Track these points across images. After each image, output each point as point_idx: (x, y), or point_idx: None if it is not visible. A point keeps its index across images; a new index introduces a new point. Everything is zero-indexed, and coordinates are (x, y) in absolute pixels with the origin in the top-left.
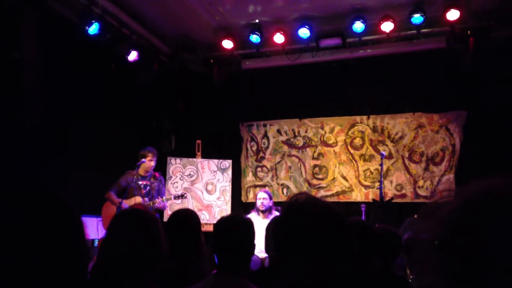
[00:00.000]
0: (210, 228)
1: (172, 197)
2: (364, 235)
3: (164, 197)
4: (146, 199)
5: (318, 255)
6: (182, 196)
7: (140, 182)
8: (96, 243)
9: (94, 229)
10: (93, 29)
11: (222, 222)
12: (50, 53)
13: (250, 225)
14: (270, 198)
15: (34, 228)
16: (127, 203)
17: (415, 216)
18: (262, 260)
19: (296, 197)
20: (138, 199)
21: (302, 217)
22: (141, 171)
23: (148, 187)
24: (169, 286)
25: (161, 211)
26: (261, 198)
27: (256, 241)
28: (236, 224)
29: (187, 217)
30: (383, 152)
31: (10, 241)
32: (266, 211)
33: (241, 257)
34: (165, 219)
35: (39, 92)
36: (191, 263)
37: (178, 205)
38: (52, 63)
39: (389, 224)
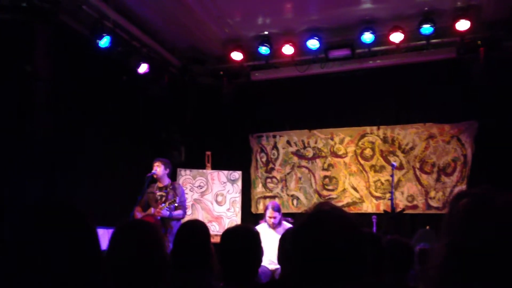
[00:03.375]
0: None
1: (172, 207)
2: (376, 247)
3: (164, 205)
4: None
5: (333, 272)
6: (173, 202)
7: (157, 194)
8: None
9: (105, 240)
10: (104, 42)
11: (228, 233)
12: (62, 66)
13: (256, 235)
14: (279, 211)
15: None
16: (145, 214)
17: (427, 227)
18: (273, 271)
19: (318, 208)
20: (150, 211)
21: (320, 233)
22: (158, 182)
23: (163, 198)
24: None
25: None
26: (271, 217)
27: (265, 253)
28: (241, 235)
29: (195, 229)
30: (394, 163)
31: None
32: (276, 225)
33: (248, 268)
34: None
35: (51, 106)
36: (200, 276)
37: (188, 216)
38: (63, 76)
39: (400, 236)
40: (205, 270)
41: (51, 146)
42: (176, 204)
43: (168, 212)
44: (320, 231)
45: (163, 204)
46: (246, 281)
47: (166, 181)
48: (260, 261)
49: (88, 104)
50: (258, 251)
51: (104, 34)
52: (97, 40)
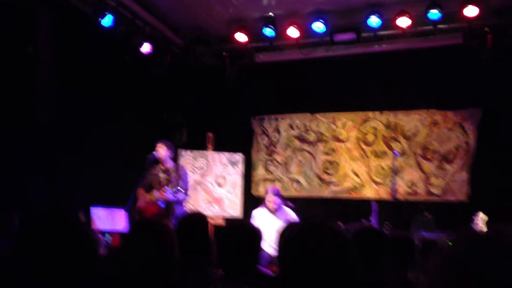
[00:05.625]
0: (221, 221)
1: (174, 189)
2: (377, 243)
3: (167, 188)
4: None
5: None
6: (179, 191)
7: (160, 176)
8: (107, 236)
9: (105, 220)
10: (107, 21)
11: (225, 231)
12: (64, 46)
13: (254, 233)
14: (279, 195)
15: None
16: (148, 197)
17: (426, 213)
18: (271, 255)
19: (309, 221)
20: (153, 193)
21: (310, 244)
22: (161, 165)
23: (166, 180)
24: None
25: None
26: (270, 201)
27: (265, 236)
28: (239, 233)
29: (195, 222)
30: (397, 152)
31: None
32: (276, 209)
33: (245, 266)
34: None
35: (53, 87)
36: (199, 268)
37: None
38: (65, 56)
39: (400, 222)
40: (205, 262)
41: (54, 128)
42: (179, 188)
43: (171, 196)
44: (308, 241)
45: (166, 187)
46: (245, 278)
47: (170, 163)
48: (258, 258)
49: (90, 84)
50: (257, 250)
51: (107, 13)
52: (100, 19)
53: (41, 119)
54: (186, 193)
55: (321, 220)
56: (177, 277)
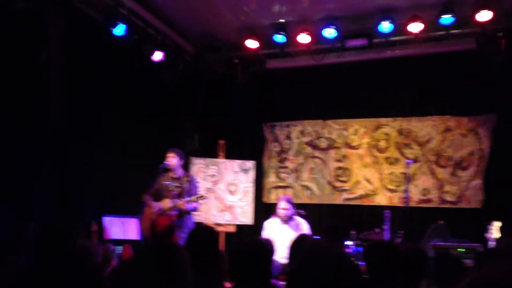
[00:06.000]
0: (232, 229)
1: (195, 198)
2: (389, 256)
3: (188, 198)
4: (177, 200)
5: None
6: (201, 197)
7: (170, 183)
8: (119, 249)
9: (118, 229)
10: (119, 30)
11: (237, 247)
12: (76, 54)
13: (266, 249)
14: (292, 205)
15: None
16: (160, 206)
17: (440, 222)
18: (284, 265)
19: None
20: (165, 202)
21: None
22: (170, 173)
23: (179, 189)
24: None
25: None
26: (283, 208)
27: (277, 247)
28: (251, 250)
29: (205, 237)
30: (409, 160)
31: None
32: (288, 218)
33: (257, 281)
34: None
35: (66, 94)
36: (210, 282)
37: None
38: (77, 64)
39: (413, 231)
40: (215, 274)
41: (66, 136)
42: (195, 197)
43: (191, 206)
44: (315, 272)
45: (187, 198)
46: None
47: (180, 172)
48: (270, 275)
49: (102, 93)
50: (269, 266)
51: (119, 22)
52: (112, 28)
53: (54, 127)
54: (199, 204)
55: (327, 246)
56: None
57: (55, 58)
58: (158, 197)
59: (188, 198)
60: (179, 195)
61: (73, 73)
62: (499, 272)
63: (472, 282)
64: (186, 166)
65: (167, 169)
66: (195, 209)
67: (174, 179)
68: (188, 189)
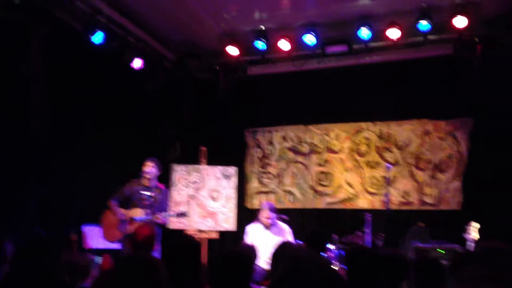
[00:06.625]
0: (215, 236)
1: (175, 214)
2: (369, 261)
3: (166, 213)
4: (148, 211)
5: None
6: (183, 215)
7: (143, 193)
8: (98, 259)
9: (98, 238)
10: (98, 38)
11: (216, 259)
12: (56, 63)
13: (244, 259)
14: (274, 211)
15: None
16: (129, 214)
17: (420, 224)
18: (266, 271)
19: (298, 261)
20: (137, 211)
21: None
22: (144, 181)
23: (152, 199)
24: None
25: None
26: (267, 217)
27: (260, 253)
28: (230, 261)
29: (184, 245)
30: (389, 165)
31: None
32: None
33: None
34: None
35: (47, 103)
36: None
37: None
38: (57, 73)
39: (394, 233)
40: (195, 283)
41: (47, 145)
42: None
43: (166, 220)
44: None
45: (165, 213)
46: None
47: (154, 182)
48: (250, 281)
49: (83, 100)
50: (249, 277)
51: (97, 30)
52: (90, 36)
53: (35, 136)
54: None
55: (309, 257)
56: None
57: (36, 67)
58: (127, 204)
59: (169, 213)
60: (151, 206)
61: (54, 82)
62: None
63: None
64: (168, 173)
65: (144, 177)
66: (165, 223)
67: (147, 188)
68: (161, 201)
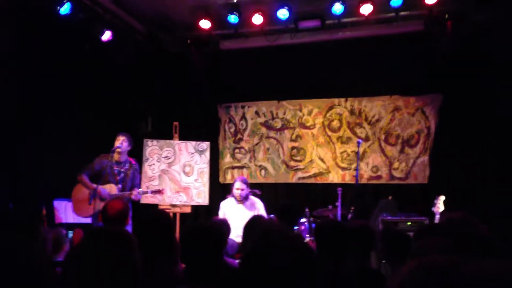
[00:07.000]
0: (188, 210)
1: (149, 192)
2: (337, 233)
3: (141, 190)
4: (120, 186)
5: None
6: (158, 192)
7: (115, 168)
8: (70, 234)
9: (69, 213)
10: (65, 8)
11: (188, 233)
12: (24, 37)
13: (216, 234)
14: (247, 185)
15: None
16: (101, 189)
17: (389, 197)
18: (239, 244)
19: (267, 232)
20: (112, 187)
21: (269, 256)
22: (115, 156)
23: (122, 174)
24: None
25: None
26: (238, 188)
27: (233, 226)
28: (201, 235)
29: (157, 220)
30: (360, 140)
31: None
32: (243, 198)
33: (209, 267)
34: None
35: (14, 79)
36: (163, 268)
37: (155, 186)
38: (26, 48)
39: (364, 207)
40: (169, 260)
41: (16, 118)
42: (143, 189)
43: (140, 197)
44: (267, 254)
45: (140, 190)
46: (209, 279)
47: (125, 157)
48: (221, 258)
49: (51, 75)
50: (220, 249)
51: (65, 1)
52: (58, 7)
53: (2, 110)
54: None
55: (280, 230)
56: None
57: (3, 41)
58: (98, 179)
59: (143, 191)
60: (122, 181)
61: (22, 56)
62: (436, 259)
63: (414, 269)
64: (140, 148)
65: (115, 152)
66: (139, 199)
67: (118, 163)
68: (132, 176)
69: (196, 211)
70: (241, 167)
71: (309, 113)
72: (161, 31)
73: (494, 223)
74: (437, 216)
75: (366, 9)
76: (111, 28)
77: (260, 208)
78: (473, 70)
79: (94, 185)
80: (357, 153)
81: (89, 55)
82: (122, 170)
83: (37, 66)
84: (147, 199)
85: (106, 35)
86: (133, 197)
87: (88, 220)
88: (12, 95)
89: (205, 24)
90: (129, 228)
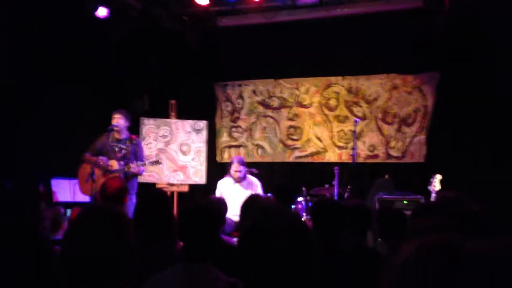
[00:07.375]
0: (185, 189)
1: (147, 162)
2: (334, 212)
3: (140, 162)
4: (122, 162)
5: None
6: (157, 162)
7: (115, 146)
8: (68, 212)
9: (67, 191)
10: None
11: (185, 212)
12: (20, 14)
13: (213, 212)
14: (244, 165)
15: None
16: (105, 161)
17: (386, 176)
18: (236, 223)
19: (265, 211)
20: (113, 163)
21: (265, 234)
22: (115, 134)
23: (123, 151)
24: (141, 271)
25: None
26: (237, 170)
27: (230, 205)
28: (199, 214)
29: (156, 200)
30: (357, 119)
31: None
32: (241, 178)
33: (206, 245)
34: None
35: (11, 55)
36: (162, 246)
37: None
38: (20, 22)
39: (361, 186)
40: (168, 240)
41: (13, 97)
42: (144, 162)
43: (141, 169)
44: (264, 233)
45: (139, 162)
46: (207, 258)
47: (125, 134)
48: (218, 236)
49: (46, 52)
50: (217, 228)
51: None
52: None
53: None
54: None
55: (277, 208)
56: (137, 263)
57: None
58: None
59: (141, 162)
60: (124, 157)
61: (17, 31)
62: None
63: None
64: (136, 127)
65: (113, 130)
66: (141, 173)
67: (118, 140)
68: (134, 152)
69: (194, 190)
70: (238, 146)
71: (306, 91)
72: (156, 7)
73: (490, 202)
74: (433, 195)
75: None
76: (106, 4)
77: (257, 188)
78: (471, 48)
79: (95, 158)
80: (354, 132)
81: (85, 33)
82: (123, 147)
83: (32, 43)
84: (144, 178)
85: (102, 12)
86: (133, 170)
87: (87, 199)
88: (8, 74)
89: (202, 0)
90: (132, 206)
